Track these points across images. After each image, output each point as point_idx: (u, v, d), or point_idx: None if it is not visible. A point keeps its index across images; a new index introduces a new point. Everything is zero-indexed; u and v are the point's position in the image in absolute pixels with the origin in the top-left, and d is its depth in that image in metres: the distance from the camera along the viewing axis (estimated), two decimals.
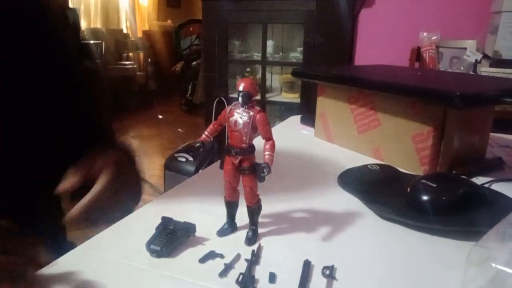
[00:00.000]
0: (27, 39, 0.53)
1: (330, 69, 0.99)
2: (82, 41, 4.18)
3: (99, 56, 4.44)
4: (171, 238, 0.44)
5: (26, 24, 0.53)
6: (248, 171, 0.43)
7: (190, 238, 0.46)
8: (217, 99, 2.44)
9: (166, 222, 0.46)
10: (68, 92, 0.59)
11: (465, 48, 1.97)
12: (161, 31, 5.81)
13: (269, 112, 2.55)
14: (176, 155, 2.13)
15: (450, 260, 0.44)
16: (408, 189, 0.55)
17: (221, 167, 0.45)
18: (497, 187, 0.62)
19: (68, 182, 0.46)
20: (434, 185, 0.53)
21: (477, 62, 1.86)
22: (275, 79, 2.58)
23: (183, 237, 0.45)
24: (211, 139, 0.44)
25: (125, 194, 0.52)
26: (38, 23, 0.55)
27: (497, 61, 1.70)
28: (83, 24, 4.91)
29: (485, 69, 1.74)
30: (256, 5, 2.24)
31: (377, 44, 2.21)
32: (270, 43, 2.39)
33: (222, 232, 0.48)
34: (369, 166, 0.65)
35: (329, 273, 0.40)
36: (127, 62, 5.19)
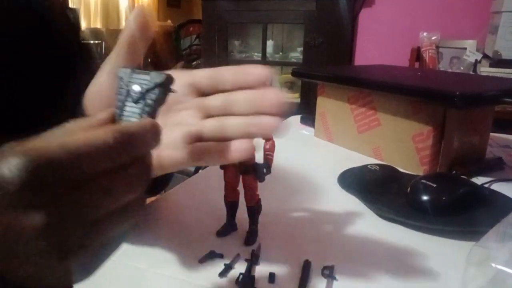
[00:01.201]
0: (31, 40, 0.52)
1: (330, 69, 0.99)
2: (82, 41, 4.18)
3: (99, 56, 4.43)
4: (145, 103, 0.27)
5: (31, 25, 0.52)
6: (248, 171, 0.43)
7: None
8: None
9: (124, 80, 0.28)
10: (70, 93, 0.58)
11: (465, 48, 1.97)
12: (161, 31, 5.81)
13: None
14: None
15: (450, 260, 0.44)
16: (408, 189, 0.55)
17: (221, 167, 0.45)
18: (497, 187, 0.62)
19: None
20: (434, 185, 0.53)
21: (477, 62, 1.86)
22: (275, 79, 2.58)
23: (160, 96, 0.28)
24: None
25: None
26: (43, 23, 0.54)
27: (497, 61, 1.70)
28: (83, 24, 4.91)
29: (485, 69, 1.74)
30: (256, 5, 2.24)
31: (377, 44, 2.21)
32: (270, 43, 2.39)
33: (222, 232, 0.48)
34: (369, 166, 0.65)
35: (329, 273, 0.40)
36: None
